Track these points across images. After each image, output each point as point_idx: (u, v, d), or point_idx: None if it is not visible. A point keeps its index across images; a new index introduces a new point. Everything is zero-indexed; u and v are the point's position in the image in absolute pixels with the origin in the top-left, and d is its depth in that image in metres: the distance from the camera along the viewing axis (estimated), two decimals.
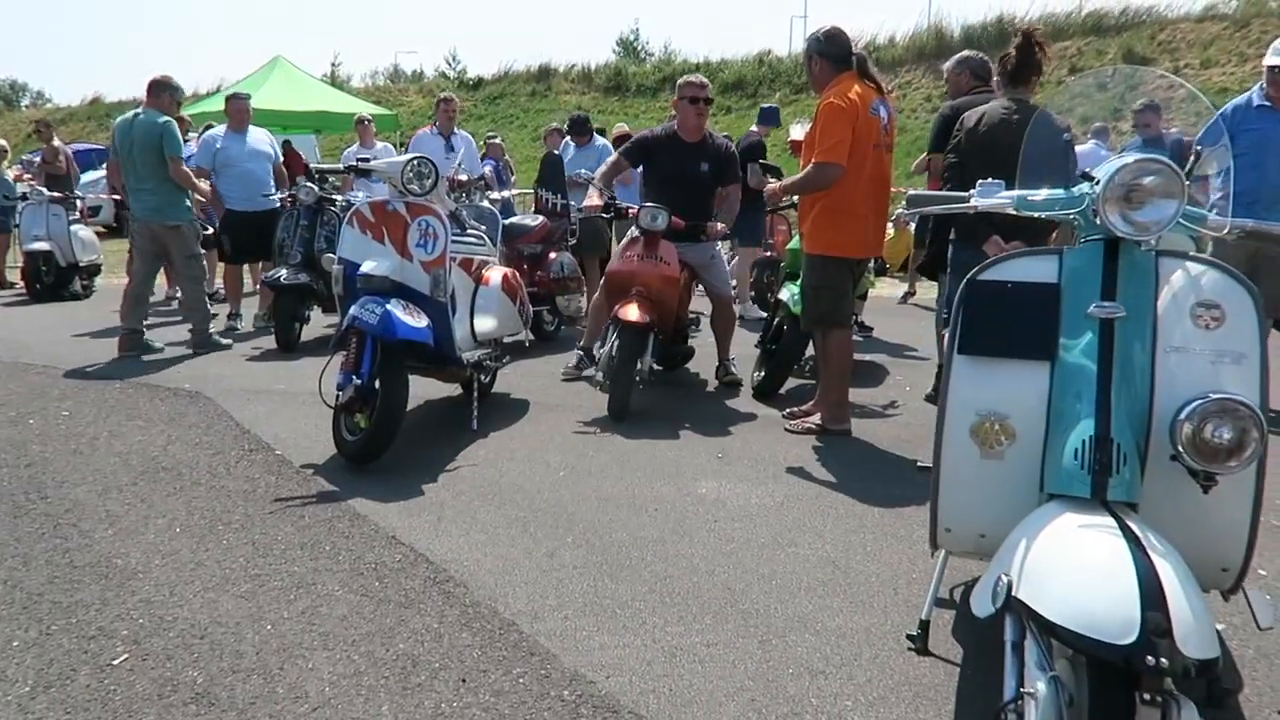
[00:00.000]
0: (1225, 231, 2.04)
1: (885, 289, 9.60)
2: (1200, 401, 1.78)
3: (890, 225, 8.28)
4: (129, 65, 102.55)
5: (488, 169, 9.14)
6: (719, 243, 5.46)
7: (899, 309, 8.88)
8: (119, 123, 6.35)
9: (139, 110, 6.39)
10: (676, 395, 5.38)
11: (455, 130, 8.45)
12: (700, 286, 5.64)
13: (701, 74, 5.73)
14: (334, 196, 7.12)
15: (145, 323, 6.58)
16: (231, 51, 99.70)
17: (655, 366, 5.06)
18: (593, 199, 5.32)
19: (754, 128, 8.36)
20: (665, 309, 5.01)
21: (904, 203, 2.46)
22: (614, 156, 5.56)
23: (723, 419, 4.81)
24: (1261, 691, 2.28)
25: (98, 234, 11.08)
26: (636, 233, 5.14)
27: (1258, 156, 4.74)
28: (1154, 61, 16.98)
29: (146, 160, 6.21)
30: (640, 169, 5.59)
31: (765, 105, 9.55)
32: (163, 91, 6.38)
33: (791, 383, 5.43)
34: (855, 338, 6.76)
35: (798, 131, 6.37)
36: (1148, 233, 1.87)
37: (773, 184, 4.62)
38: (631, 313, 4.73)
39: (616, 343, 4.76)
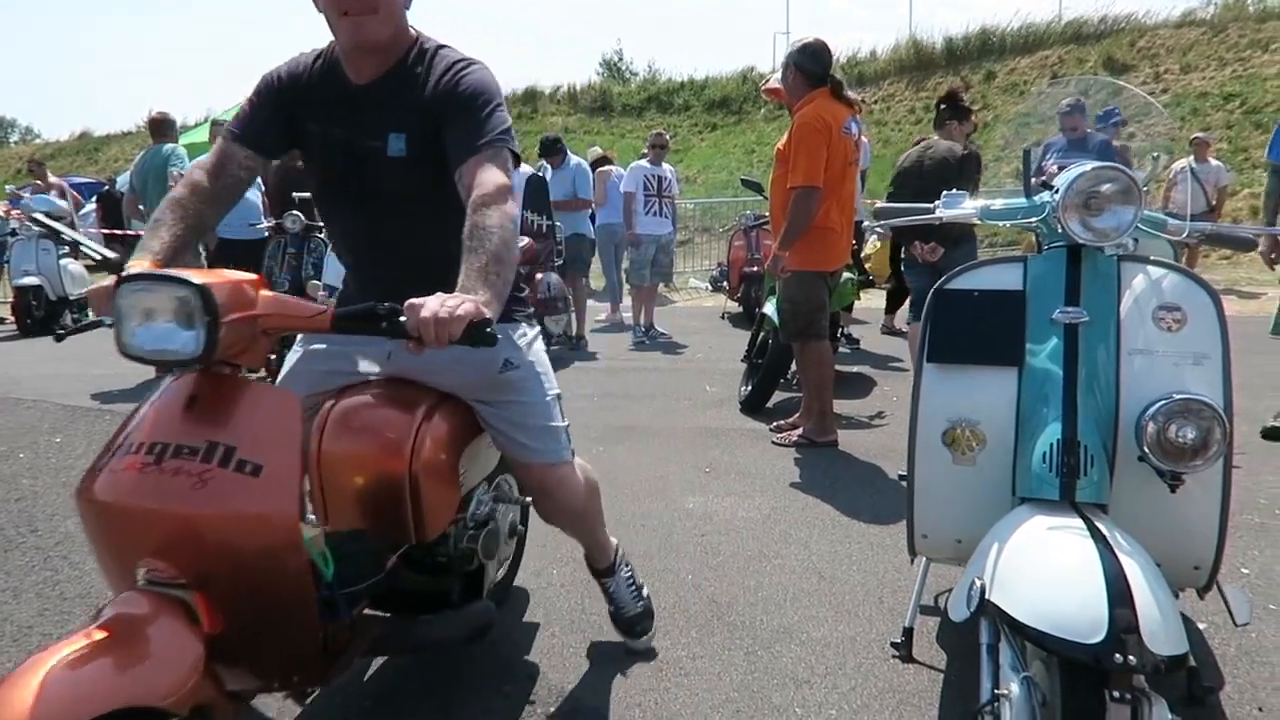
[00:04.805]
0: (1184, 235, 2.09)
1: (873, 300, 9.65)
2: (1164, 402, 1.82)
3: (875, 239, 8.38)
4: (117, 98, 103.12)
5: None
6: (526, 327, 2.23)
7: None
8: (136, 160, 7.05)
9: (149, 148, 6.95)
10: (664, 410, 5.40)
11: None
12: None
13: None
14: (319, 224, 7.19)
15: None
16: (218, 82, 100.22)
17: None
18: None
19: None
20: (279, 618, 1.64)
21: (871, 215, 2.52)
22: (217, 144, 2.10)
23: (710, 433, 4.83)
24: (1243, 689, 2.31)
25: (87, 268, 11.10)
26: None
27: None
28: (1134, 68, 17.15)
29: (157, 192, 6.58)
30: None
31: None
32: (168, 129, 7.01)
33: (779, 395, 5.46)
34: (842, 349, 6.83)
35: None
36: (1107, 239, 1.91)
37: (769, 247, 4.58)
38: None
39: None
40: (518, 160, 1.93)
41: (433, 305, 1.51)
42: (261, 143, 2.05)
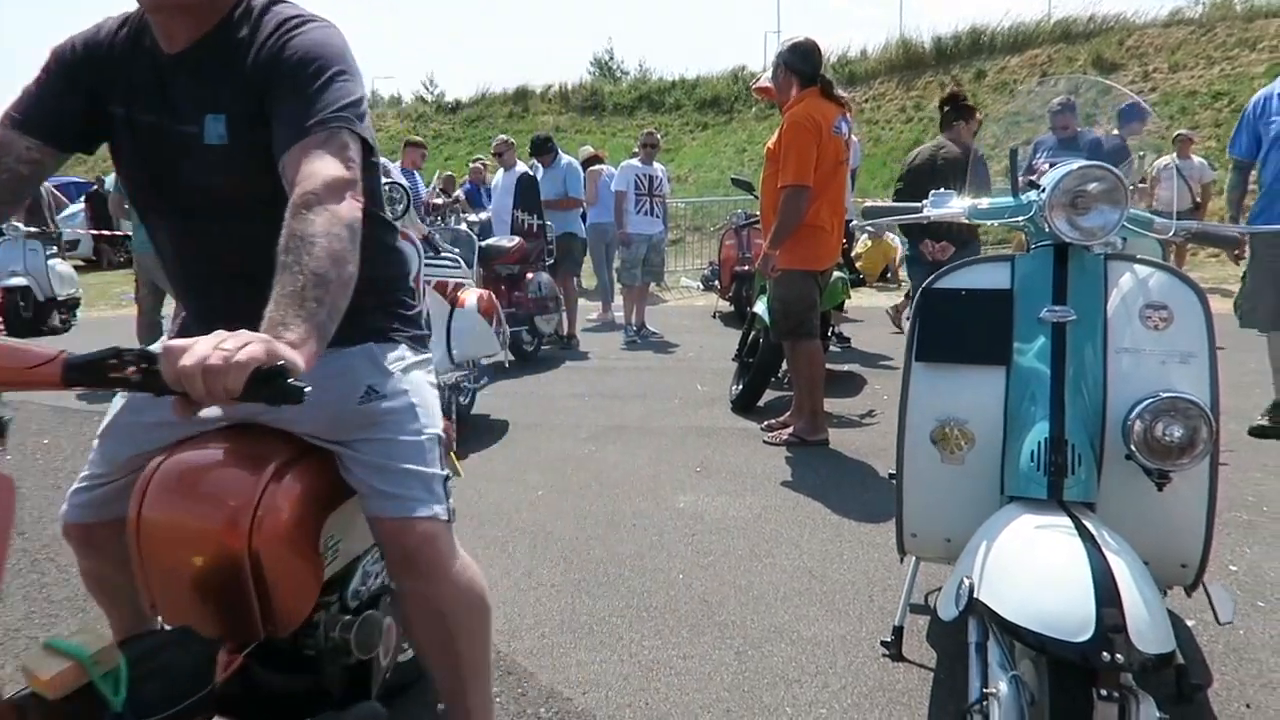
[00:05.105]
0: (1171, 234, 2.09)
1: (864, 299, 9.67)
2: (1150, 400, 1.82)
3: (866, 238, 8.39)
4: None
5: (459, 193, 9.24)
6: (408, 350, 1.77)
7: (875, 319, 8.94)
8: None
9: None
10: (656, 410, 5.40)
11: None
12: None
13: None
14: None
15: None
16: None
17: None
18: None
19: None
20: None
21: (860, 214, 2.52)
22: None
23: (702, 432, 4.83)
24: (1231, 686, 2.31)
25: (76, 268, 11.05)
26: None
27: None
28: (1123, 67, 17.20)
29: None
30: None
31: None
32: None
33: (770, 394, 5.46)
34: (833, 348, 6.84)
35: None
36: (1094, 238, 1.92)
37: (759, 247, 4.67)
38: None
39: None
40: (370, 148, 1.49)
41: (201, 349, 1.06)
42: (49, 129, 1.55)
